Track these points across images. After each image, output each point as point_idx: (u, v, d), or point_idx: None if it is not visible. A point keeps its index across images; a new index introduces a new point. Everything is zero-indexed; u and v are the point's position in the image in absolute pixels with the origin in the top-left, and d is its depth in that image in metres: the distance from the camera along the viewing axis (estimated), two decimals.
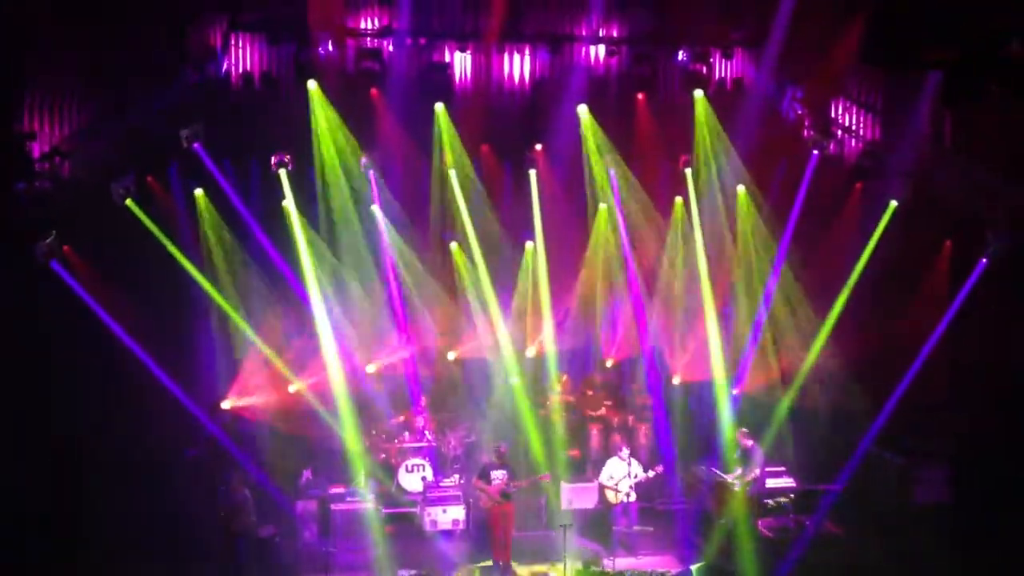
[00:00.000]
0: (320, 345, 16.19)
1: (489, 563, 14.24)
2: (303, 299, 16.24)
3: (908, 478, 16.09)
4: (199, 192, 15.86)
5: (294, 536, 14.93)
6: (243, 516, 13.25)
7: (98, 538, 13.52)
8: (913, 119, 16.57)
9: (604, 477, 14.73)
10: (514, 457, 15.52)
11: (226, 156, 16.00)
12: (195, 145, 14.92)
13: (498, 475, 14.38)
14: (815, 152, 16.65)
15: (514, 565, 14.31)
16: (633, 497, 14.61)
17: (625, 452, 14.79)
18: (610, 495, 14.64)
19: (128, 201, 14.80)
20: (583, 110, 16.49)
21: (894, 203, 16.07)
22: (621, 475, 14.59)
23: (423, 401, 17.02)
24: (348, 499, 14.95)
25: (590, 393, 17.55)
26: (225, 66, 16.86)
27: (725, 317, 17.43)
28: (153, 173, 15.86)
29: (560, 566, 13.73)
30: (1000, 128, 14.03)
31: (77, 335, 14.80)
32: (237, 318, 15.97)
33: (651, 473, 14.72)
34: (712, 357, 16.81)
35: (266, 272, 16.22)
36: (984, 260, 15.29)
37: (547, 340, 17.41)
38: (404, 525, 15.43)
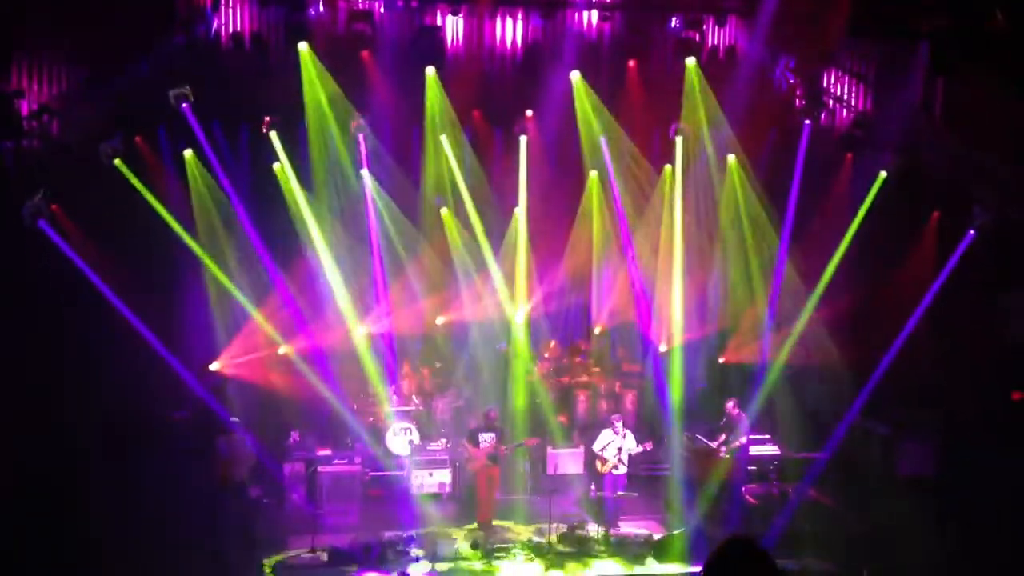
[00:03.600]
0: (308, 308, 16.28)
1: (474, 525, 14.39)
2: (287, 262, 16.29)
3: (891, 450, 16.24)
4: (188, 153, 15.79)
5: (281, 498, 15.04)
6: (241, 467, 13.47)
7: (85, 498, 13.55)
8: (904, 90, 16.55)
9: (596, 447, 14.68)
10: (502, 422, 15.63)
11: (215, 118, 15.91)
12: (183, 106, 14.81)
13: (486, 438, 14.51)
14: (806, 122, 16.65)
15: (496, 523, 14.50)
16: (623, 470, 14.60)
17: (620, 424, 14.76)
18: (600, 465, 14.63)
19: (116, 161, 14.73)
20: (576, 76, 16.42)
21: (883, 174, 16.08)
22: (613, 448, 14.49)
23: (404, 368, 17.00)
24: (335, 461, 15.06)
25: (576, 360, 17.61)
26: (215, 27, 16.71)
27: (712, 286, 17.51)
28: (142, 134, 15.76)
29: (545, 529, 13.86)
30: (990, 100, 14.02)
31: (65, 295, 14.77)
32: (225, 279, 15.96)
33: (641, 449, 14.75)
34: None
35: (253, 234, 16.15)
36: (972, 232, 15.33)
37: (535, 306, 17.48)
38: (390, 488, 15.54)
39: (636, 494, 15.32)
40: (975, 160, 15.53)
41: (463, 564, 13.18)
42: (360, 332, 16.78)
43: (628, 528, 14.42)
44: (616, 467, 14.44)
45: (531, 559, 13.34)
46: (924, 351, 16.35)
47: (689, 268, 17.34)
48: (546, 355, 17.53)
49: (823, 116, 17.71)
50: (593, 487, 15.34)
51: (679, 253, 16.91)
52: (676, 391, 16.62)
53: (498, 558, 13.33)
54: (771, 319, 16.99)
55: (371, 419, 16.33)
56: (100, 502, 13.35)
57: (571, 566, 13.30)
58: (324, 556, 13.09)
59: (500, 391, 16.75)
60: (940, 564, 12.81)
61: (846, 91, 18.08)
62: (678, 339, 17.20)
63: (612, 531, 14.13)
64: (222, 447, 13.98)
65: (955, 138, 15.86)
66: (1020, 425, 15.00)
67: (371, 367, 16.32)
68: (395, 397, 16.62)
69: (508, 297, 17.25)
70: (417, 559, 13.17)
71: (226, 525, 13.41)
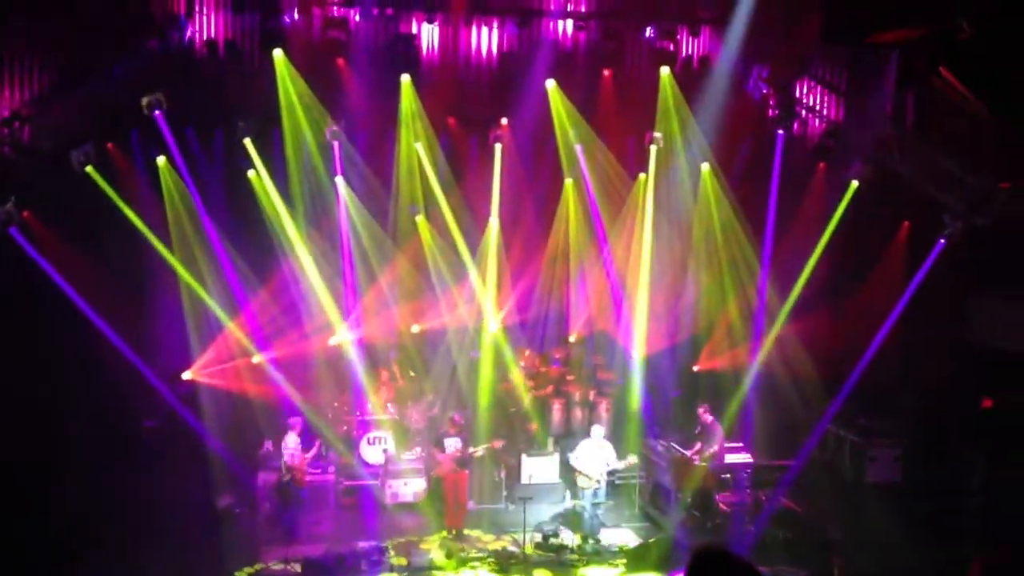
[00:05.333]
0: (282, 316, 16.24)
1: (445, 533, 14.36)
2: (261, 269, 16.24)
3: (861, 457, 16.36)
4: (161, 160, 15.68)
5: (253, 507, 14.94)
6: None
7: (56, 506, 13.43)
8: (875, 100, 16.70)
9: (574, 461, 14.66)
10: (474, 431, 15.64)
11: (189, 124, 15.83)
12: (156, 113, 14.72)
13: (452, 444, 14.54)
14: (780, 132, 16.77)
15: (471, 532, 14.47)
16: (604, 483, 14.62)
17: (598, 433, 14.74)
18: (581, 480, 14.60)
19: (88, 168, 14.60)
20: (551, 84, 16.46)
21: (855, 183, 16.21)
22: (594, 460, 14.47)
23: (380, 377, 16.92)
24: (309, 471, 14.97)
25: (551, 368, 17.60)
26: (189, 34, 16.60)
27: (686, 294, 17.59)
28: (114, 140, 15.63)
29: (519, 538, 13.86)
30: (959, 110, 14.19)
31: (36, 303, 14.63)
32: (198, 287, 15.86)
33: (624, 464, 14.78)
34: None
35: (221, 242, 16.06)
36: (942, 241, 15.49)
37: (510, 314, 17.49)
38: (364, 497, 15.48)
39: (611, 502, 15.34)
40: (945, 169, 15.67)
41: (437, 574, 13.14)
42: (334, 340, 16.72)
43: (603, 537, 14.41)
44: (599, 482, 14.45)
45: (505, 569, 13.30)
46: (894, 359, 16.50)
47: (664, 276, 17.44)
48: (520, 363, 17.52)
49: (796, 126, 17.83)
50: (568, 495, 15.37)
51: (648, 261, 17.00)
52: (634, 400, 16.71)
53: (472, 568, 13.30)
54: (759, 325, 17.05)
55: (345, 428, 16.27)
56: (71, 510, 13.25)
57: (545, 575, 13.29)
58: (297, 567, 12.99)
59: (473, 399, 16.75)
60: (910, 570, 12.92)
61: (818, 101, 18.21)
62: (652, 347, 17.27)
63: (588, 540, 14.13)
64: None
65: (925, 147, 16.01)
66: (989, 432, 15.14)
67: (362, 373, 16.44)
68: (370, 406, 16.57)
69: (483, 305, 17.24)
70: (391, 569, 13.13)
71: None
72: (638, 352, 17.12)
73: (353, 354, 16.52)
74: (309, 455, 14.47)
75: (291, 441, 14.32)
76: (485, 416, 16.41)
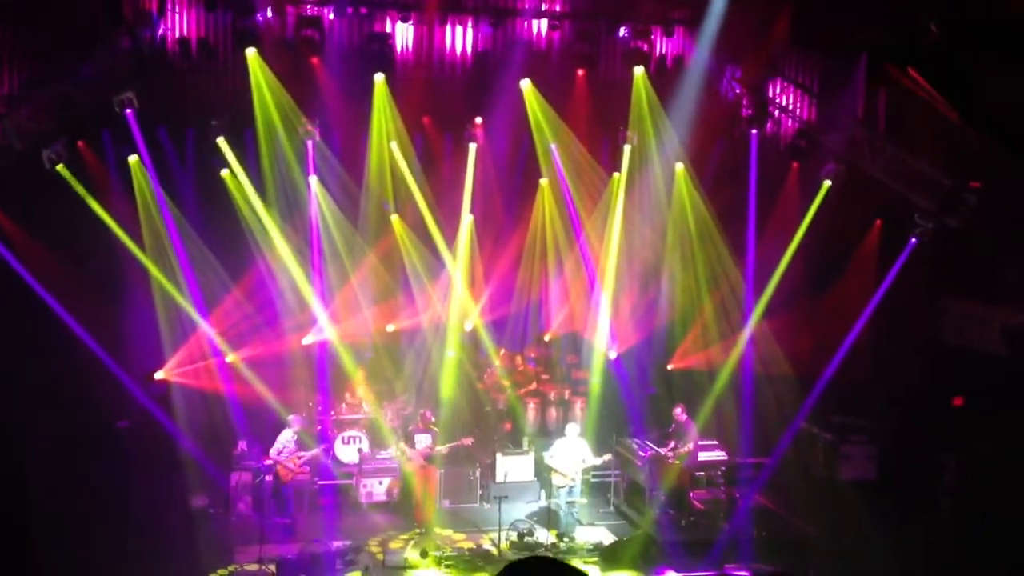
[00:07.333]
0: (256, 315, 16.19)
1: (416, 531, 14.34)
2: (235, 268, 16.17)
3: (835, 455, 16.48)
4: (133, 159, 15.57)
5: (227, 508, 14.87)
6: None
7: (28, 508, 13.27)
8: (847, 101, 16.84)
9: (549, 459, 14.72)
10: (448, 429, 15.63)
11: (161, 123, 15.74)
12: (128, 112, 14.61)
13: (423, 440, 14.56)
14: (753, 132, 16.86)
15: (438, 531, 14.47)
16: (579, 481, 14.68)
17: (573, 432, 14.78)
18: (556, 478, 14.65)
19: (59, 167, 14.48)
20: (526, 84, 16.47)
21: (827, 183, 16.34)
22: (570, 458, 14.54)
23: (356, 376, 16.89)
24: None
25: (526, 367, 17.62)
26: (161, 32, 16.48)
27: (661, 293, 17.67)
28: (85, 139, 15.50)
29: (495, 537, 13.87)
30: (928, 112, 14.34)
31: (6, 301, 14.48)
32: (169, 286, 15.77)
33: (599, 461, 14.86)
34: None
35: (199, 241, 15.98)
36: (914, 240, 15.64)
37: (484, 313, 17.50)
38: (339, 497, 15.45)
39: (586, 500, 15.38)
40: (916, 169, 15.82)
41: (411, 573, 13.13)
42: (308, 339, 16.67)
43: (578, 535, 14.45)
44: (574, 480, 14.50)
45: (479, 567, 13.31)
46: (867, 357, 16.63)
47: (638, 274, 17.50)
48: (496, 362, 17.53)
49: (769, 126, 17.93)
50: (543, 493, 15.39)
51: (620, 259, 17.06)
52: (597, 395, 16.76)
53: (447, 566, 13.29)
54: (734, 324, 17.13)
55: (319, 427, 16.22)
56: (43, 511, 13.10)
57: None
58: (272, 567, 12.94)
59: (448, 398, 16.73)
60: (884, 568, 13.03)
61: (791, 102, 18.33)
62: (626, 345, 17.34)
63: (563, 538, 14.16)
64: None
65: (896, 148, 16.15)
66: (960, 429, 15.29)
67: (338, 372, 16.45)
68: (344, 405, 16.53)
69: (458, 304, 17.23)
70: (365, 569, 13.10)
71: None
72: (612, 350, 17.18)
73: (329, 352, 16.47)
74: (308, 454, 14.50)
75: (284, 437, 14.35)
76: (455, 413, 16.41)
